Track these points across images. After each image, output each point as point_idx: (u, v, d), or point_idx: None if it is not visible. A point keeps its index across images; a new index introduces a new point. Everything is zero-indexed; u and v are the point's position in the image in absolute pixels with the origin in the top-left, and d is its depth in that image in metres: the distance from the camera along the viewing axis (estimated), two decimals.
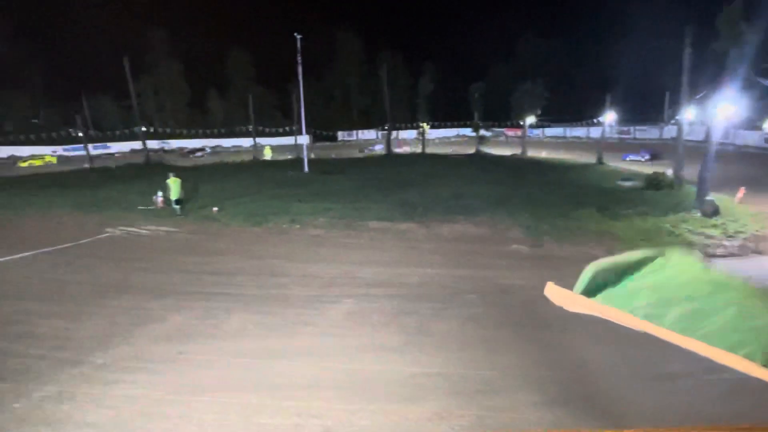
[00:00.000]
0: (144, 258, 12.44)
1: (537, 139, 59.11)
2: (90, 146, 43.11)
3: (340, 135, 68.73)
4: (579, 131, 60.65)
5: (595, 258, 2.42)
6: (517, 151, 39.15)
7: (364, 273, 10.48)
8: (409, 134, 61.31)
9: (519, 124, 56.81)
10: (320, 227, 14.97)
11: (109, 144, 55.73)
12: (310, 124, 31.34)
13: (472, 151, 39.98)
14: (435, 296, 9.01)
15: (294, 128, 43.60)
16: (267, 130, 55.73)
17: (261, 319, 8.08)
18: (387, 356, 6.68)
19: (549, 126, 63.86)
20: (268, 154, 42.57)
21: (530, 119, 55.87)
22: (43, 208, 19.47)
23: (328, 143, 60.97)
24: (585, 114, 58.14)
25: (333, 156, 39.26)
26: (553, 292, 2.33)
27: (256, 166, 34.78)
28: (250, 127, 44.02)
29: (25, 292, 9.99)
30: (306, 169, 28.43)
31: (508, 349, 6.85)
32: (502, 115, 66.94)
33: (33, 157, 47.27)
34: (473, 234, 13.87)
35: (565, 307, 2.29)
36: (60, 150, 52.98)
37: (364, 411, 5.44)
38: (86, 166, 37.32)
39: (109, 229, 15.79)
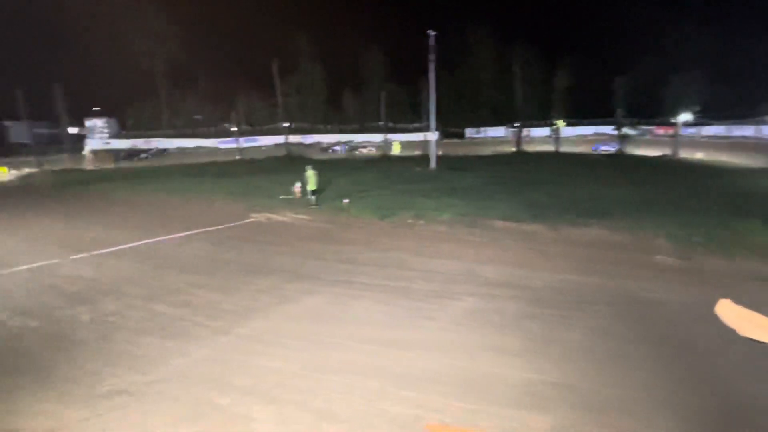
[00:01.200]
0: (282, 243, 13.61)
1: (691, 139, 52.40)
2: (241, 139, 48.22)
3: (468, 132, 67.93)
4: (747, 130, 52.32)
5: (760, 276, 2.07)
6: (668, 151, 35.12)
7: (487, 272, 10.30)
8: (541, 132, 58.43)
9: (671, 121, 50.83)
10: (444, 223, 15.01)
11: (257, 138, 61.79)
12: (439, 121, 31.44)
13: (612, 150, 36.83)
14: (561, 303, 8.53)
15: (423, 125, 44.14)
16: (397, 126, 57.23)
17: (385, 309, 8.37)
18: (507, 359, 6.50)
19: (708, 124, 56.14)
20: (396, 150, 43.72)
21: (685, 116, 49.67)
22: (202, 194, 22.30)
23: (455, 140, 60.69)
24: (756, 110, 49.97)
25: (460, 153, 38.98)
26: (727, 310, 1.97)
27: (385, 162, 35.96)
28: (381, 123, 45.62)
29: (186, 266, 11.56)
30: (433, 165, 28.63)
31: (644, 368, 6.24)
32: (651, 111, 60.41)
33: None
34: (609, 240, 12.82)
35: (739, 331, 1.91)
36: (217, 143, 60.03)
37: (483, 412, 5.37)
38: (237, 157, 41.85)
39: (253, 215, 17.56)
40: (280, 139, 51.00)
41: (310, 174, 18.46)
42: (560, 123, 45.49)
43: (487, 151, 39.19)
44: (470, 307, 8.39)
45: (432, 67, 27.58)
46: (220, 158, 42.83)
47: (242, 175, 28.03)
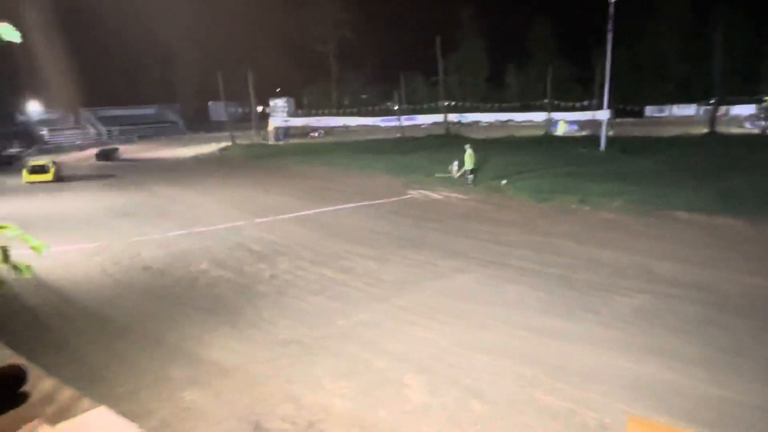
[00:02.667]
0: (437, 220, 13.82)
1: None
2: (402, 118, 49.76)
3: (648, 110, 60.21)
4: None
5: None
6: None
7: (663, 268, 9.12)
8: (743, 110, 49.13)
9: None
10: (613, 211, 13.66)
11: (416, 116, 63.09)
12: (613, 98, 28.45)
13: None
14: (757, 312, 7.18)
15: (594, 102, 40.41)
16: (562, 104, 53.34)
17: (541, 296, 8.00)
18: (682, 367, 5.73)
19: None
20: (561, 130, 40.89)
21: None
22: (363, 169, 23.67)
23: (631, 119, 54.38)
24: None
25: (636, 134, 34.85)
26: None
27: (546, 142, 33.90)
28: (545, 101, 42.96)
29: (349, 235, 12.43)
30: (603, 146, 26.13)
31: None
32: None
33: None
34: None
35: None
36: (379, 121, 62.83)
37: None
38: (398, 135, 43.35)
39: (411, 192, 18.09)
40: (438, 117, 51.38)
41: (469, 153, 18.29)
42: None
43: (671, 132, 34.18)
44: (640, 304, 7.57)
45: (610, 37, 24.91)
46: (382, 136, 44.80)
47: (401, 153, 28.98)
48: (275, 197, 18.44)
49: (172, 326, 7.55)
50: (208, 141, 48.86)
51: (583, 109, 51.66)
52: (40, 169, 25.69)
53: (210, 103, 71.47)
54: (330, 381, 5.75)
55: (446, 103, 46.33)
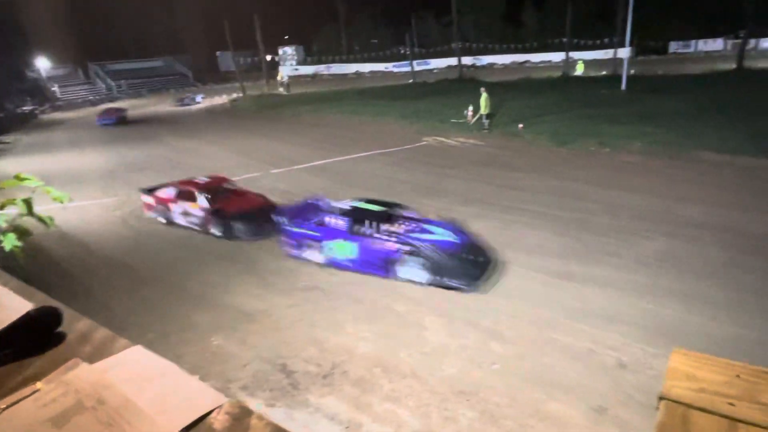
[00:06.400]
0: (453, 166, 13.62)
1: None
2: (414, 62, 48.28)
3: (673, 46, 57.43)
4: None
5: None
6: None
7: (688, 211, 8.94)
8: None
9: None
10: (635, 153, 13.31)
11: (429, 60, 61.18)
12: (635, 34, 27.05)
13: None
14: None
15: (615, 40, 38.50)
16: (583, 42, 51.11)
17: (561, 241, 7.96)
18: (706, 309, 5.72)
19: None
20: (580, 70, 39.37)
21: None
22: (377, 117, 23.23)
23: (655, 57, 52.05)
24: None
25: (660, 72, 33.43)
26: None
27: (565, 83, 32.76)
28: (564, 40, 41.13)
29: (366, 184, 12.35)
30: (624, 86, 25.15)
31: None
32: None
33: None
34: None
35: None
36: (390, 66, 61.15)
37: (665, 357, 4.88)
38: (410, 81, 42.24)
39: (425, 138, 17.79)
40: (452, 61, 49.76)
41: (484, 97, 17.75)
42: None
43: (697, 69, 32.68)
44: (663, 247, 7.48)
45: None
46: (394, 82, 43.73)
47: (415, 99, 28.32)
48: (290, 147, 18.31)
49: (195, 274, 7.72)
50: (218, 92, 48.27)
51: (603, 47, 49.54)
52: None
53: (218, 53, 70.15)
54: (352, 325, 5.88)
55: (460, 45, 44.63)
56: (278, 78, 48.70)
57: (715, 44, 55.03)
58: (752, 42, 40.22)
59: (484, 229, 8.70)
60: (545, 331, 5.49)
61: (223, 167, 15.37)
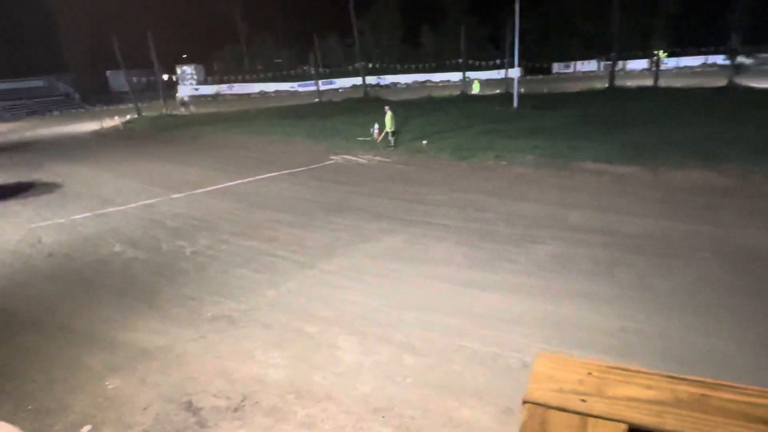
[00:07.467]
0: (361, 184, 13.79)
1: None
2: (320, 82, 48.53)
3: (556, 67, 63.28)
4: None
5: None
6: None
7: (574, 216, 9.79)
8: (638, 64, 53.02)
9: None
10: (528, 165, 14.37)
11: (334, 80, 61.86)
12: (523, 56, 29.41)
13: (721, 83, 32.64)
14: (657, 250, 7.95)
15: (505, 61, 41.64)
16: (477, 63, 54.55)
17: (465, 251, 8.31)
18: (595, 305, 6.26)
19: None
20: (476, 89, 41.94)
21: None
22: (283, 136, 22.96)
23: (541, 76, 56.91)
24: None
25: (546, 90, 36.58)
26: None
27: (463, 101, 34.68)
28: (460, 61, 43.67)
29: (272, 205, 12.10)
30: (515, 104, 27.19)
31: (752, 322, 5.74)
32: None
33: None
34: (715, 184, 11.62)
35: None
36: (296, 86, 60.93)
37: (565, 354, 5.26)
38: (316, 100, 42.36)
39: (333, 157, 17.86)
40: (357, 80, 50.74)
41: (389, 115, 18.27)
42: (661, 54, 40.72)
43: (576, 87, 36.29)
44: (556, 251, 8.09)
45: None
46: (300, 101, 43.59)
47: (321, 118, 28.40)
48: (191, 170, 17.45)
49: (84, 312, 7.02)
50: (109, 114, 44.91)
51: (496, 67, 53.23)
52: None
53: (109, 72, 65.50)
54: (262, 352, 5.66)
55: (364, 65, 45.66)
56: (177, 98, 46.45)
57: (591, 65, 61.34)
58: (620, 64, 45.36)
59: (392, 243, 8.88)
60: (454, 340, 5.67)
61: (117, 193, 14.29)
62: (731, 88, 30.94)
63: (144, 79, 60.37)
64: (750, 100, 25.16)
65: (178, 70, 60.05)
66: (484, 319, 6.04)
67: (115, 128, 35.19)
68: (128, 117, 39.90)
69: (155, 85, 51.38)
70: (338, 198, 12.40)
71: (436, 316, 6.19)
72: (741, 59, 35.02)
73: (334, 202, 12.06)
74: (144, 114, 40.46)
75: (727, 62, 37.73)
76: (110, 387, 5.25)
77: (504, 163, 14.84)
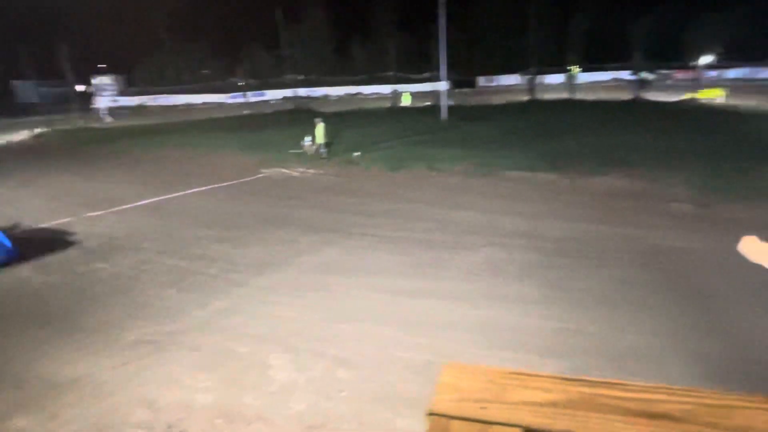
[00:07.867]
0: (295, 197, 13.60)
1: (713, 82, 50.30)
2: (249, 94, 47.56)
3: (480, 81, 66.01)
4: None
5: None
6: (689, 95, 33.87)
7: (503, 223, 10.20)
8: (555, 79, 56.51)
9: (692, 65, 48.72)
10: (458, 175, 14.81)
11: (264, 92, 60.83)
12: (450, 70, 30.46)
13: (628, 96, 35.59)
14: (579, 252, 8.45)
15: (433, 74, 42.93)
16: (408, 76, 55.81)
17: (401, 260, 8.38)
18: (524, 308, 6.51)
19: (731, 67, 53.39)
20: (406, 101, 42.83)
21: (706, 58, 47.47)
22: (212, 149, 22.20)
23: (467, 89, 59.11)
24: None
25: (472, 103, 38.04)
26: (751, 247, 2.02)
27: (394, 113, 35.27)
28: (391, 74, 44.48)
29: (201, 221, 11.63)
30: (444, 115, 28.03)
31: (660, 315, 6.21)
32: (672, 55, 57.79)
33: None
34: (626, 189, 12.56)
35: (766, 265, 1.98)
36: (225, 97, 59.25)
37: (495, 357, 5.43)
38: (245, 112, 41.42)
39: (264, 170, 17.50)
40: (287, 92, 50.22)
41: (320, 127, 18.20)
42: (574, 69, 43.85)
43: (500, 100, 38.06)
44: (486, 257, 8.36)
45: (442, 12, 26.47)
46: (229, 113, 42.42)
47: (251, 130, 27.78)
48: (113, 186, 16.42)
49: None
50: (15, 127, 41.38)
51: (425, 80, 54.72)
52: None
53: (17, 83, 60.48)
54: (189, 377, 5.37)
55: (294, 77, 45.33)
56: (97, 109, 43.70)
57: (513, 79, 64.56)
58: (538, 78, 48.14)
59: (328, 256, 8.80)
60: (388, 350, 5.67)
61: (24, 213, 13.14)
62: (636, 101, 33.75)
63: (57, 90, 56.27)
64: (653, 111, 27.60)
65: (94, 81, 56.47)
66: (418, 327, 6.10)
67: (22, 143, 32.47)
68: (38, 130, 36.98)
69: (70, 95, 48.08)
70: (272, 212, 12.14)
71: (371, 327, 6.18)
72: (644, 75, 38.38)
73: (268, 215, 11.79)
74: (57, 127, 37.65)
75: (633, 78, 41.36)
76: (16, 426, 4.76)
77: (435, 173, 15.20)
